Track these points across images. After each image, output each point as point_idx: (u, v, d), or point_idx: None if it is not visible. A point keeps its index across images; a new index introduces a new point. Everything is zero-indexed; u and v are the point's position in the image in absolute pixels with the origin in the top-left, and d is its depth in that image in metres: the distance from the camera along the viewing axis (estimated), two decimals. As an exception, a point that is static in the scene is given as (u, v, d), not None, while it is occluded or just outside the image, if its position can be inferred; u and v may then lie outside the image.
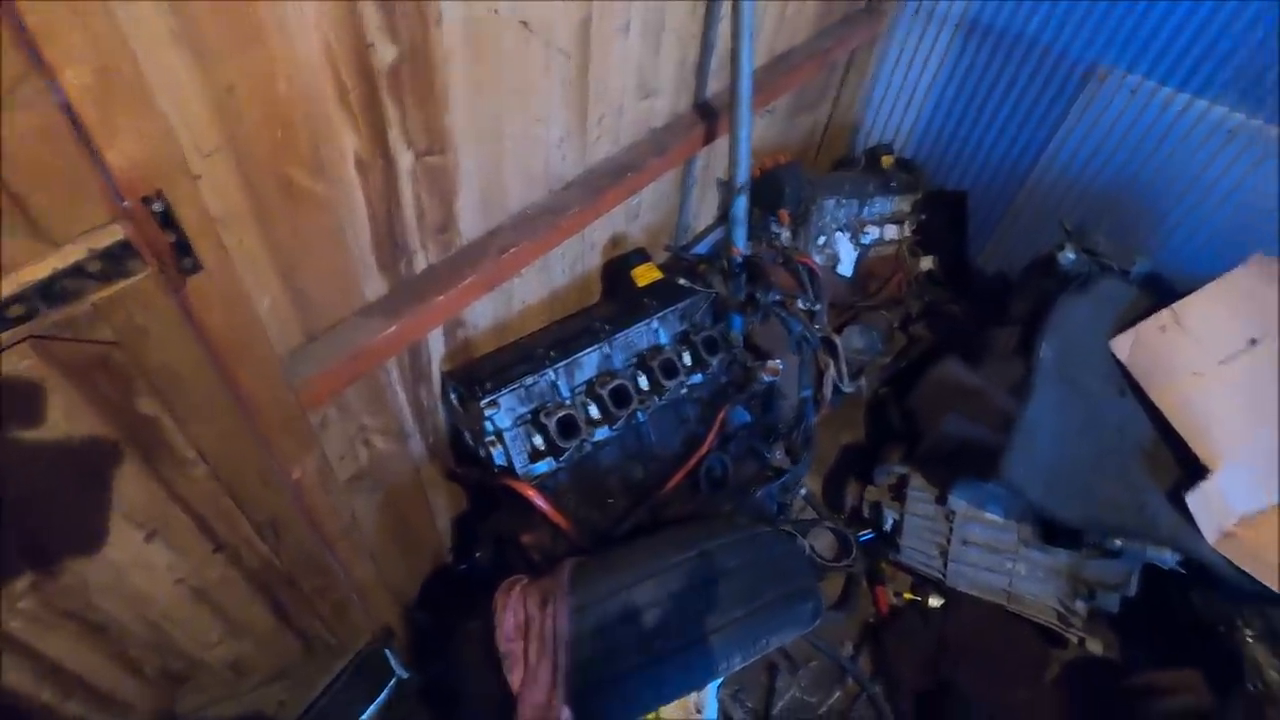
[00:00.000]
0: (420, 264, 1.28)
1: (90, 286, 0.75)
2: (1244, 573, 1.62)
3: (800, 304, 2.05)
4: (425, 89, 1.07)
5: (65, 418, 0.84)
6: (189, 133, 0.81)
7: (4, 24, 0.59)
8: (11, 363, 0.75)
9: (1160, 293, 1.92)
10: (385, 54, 0.98)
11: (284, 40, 0.86)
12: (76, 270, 0.73)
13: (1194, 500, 1.65)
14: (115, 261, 0.75)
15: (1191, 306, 1.79)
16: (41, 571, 0.93)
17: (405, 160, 1.12)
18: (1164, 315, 1.80)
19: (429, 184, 1.19)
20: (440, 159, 1.18)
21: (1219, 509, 1.67)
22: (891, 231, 2.49)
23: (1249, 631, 1.66)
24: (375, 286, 1.22)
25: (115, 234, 0.74)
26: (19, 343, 0.74)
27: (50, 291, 0.72)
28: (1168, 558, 1.70)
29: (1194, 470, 1.70)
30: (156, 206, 0.76)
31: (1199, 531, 1.66)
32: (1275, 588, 1.57)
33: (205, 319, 0.89)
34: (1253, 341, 1.76)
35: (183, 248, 0.81)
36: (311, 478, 1.22)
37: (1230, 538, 1.66)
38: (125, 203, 0.73)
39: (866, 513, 2.15)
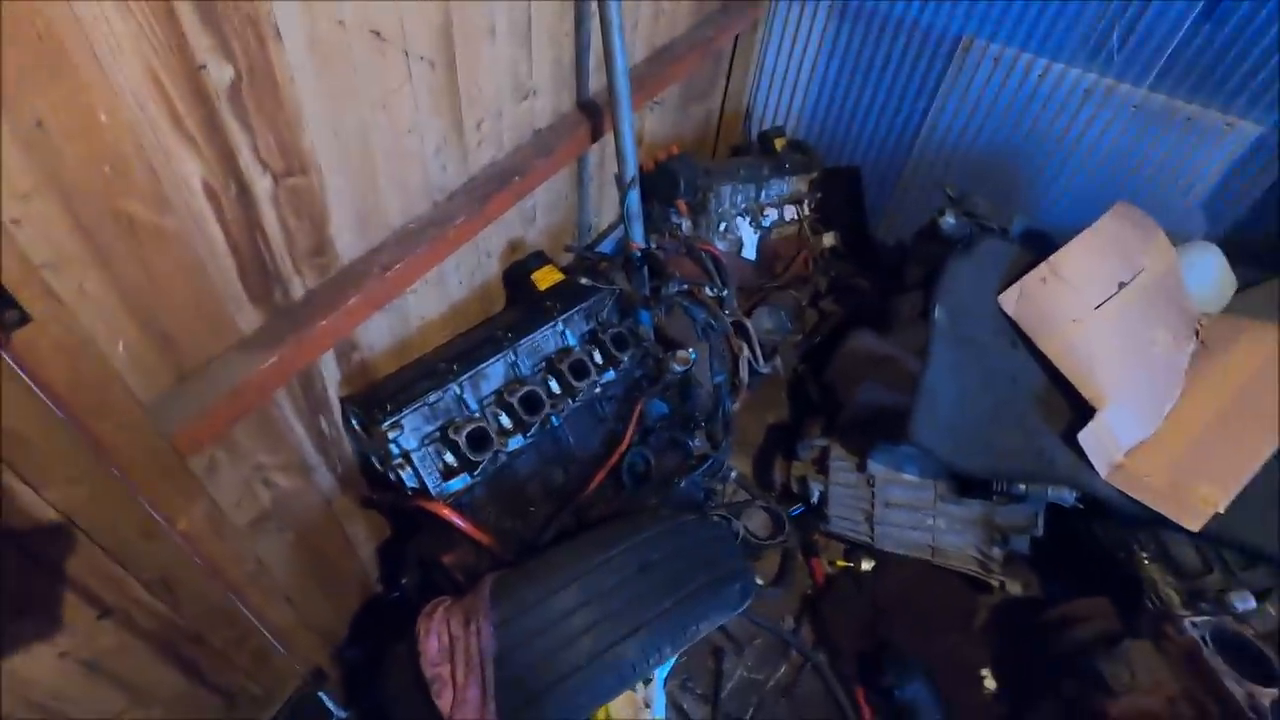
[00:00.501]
0: (297, 290, 1.23)
1: (-108, 352, 0.68)
2: (1135, 501, 1.73)
3: (708, 291, 2.07)
4: (273, 108, 1.02)
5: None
6: (-4, 175, 0.75)
7: None
8: None
9: (1039, 248, 2.03)
10: (221, 75, 0.94)
11: (95, 68, 0.80)
12: None
13: (1085, 439, 1.75)
14: (-82, 322, 0.69)
15: (1065, 257, 1.90)
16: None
17: (263, 184, 1.07)
18: (1043, 268, 1.90)
19: (294, 207, 1.14)
20: (303, 179, 1.13)
21: (1108, 444, 1.78)
22: (791, 212, 2.55)
23: (1144, 554, 1.78)
24: (249, 318, 1.16)
25: (-87, 293, 0.68)
26: None
27: None
28: (1066, 496, 1.80)
29: (1083, 412, 1.80)
30: (-39, 259, 0.70)
31: (1093, 468, 1.76)
32: (1161, 511, 1.69)
33: (43, 373, 0.82)
34: (1121, 284, 1.88)
35: (3, 301, 0.75)
36: (201, 526, 1.15)
37: (1120, 470, 1.77)
38: (-79, 258, 0.67)
39: (795, 488, 2.20)
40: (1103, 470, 1.77)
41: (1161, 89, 2.03)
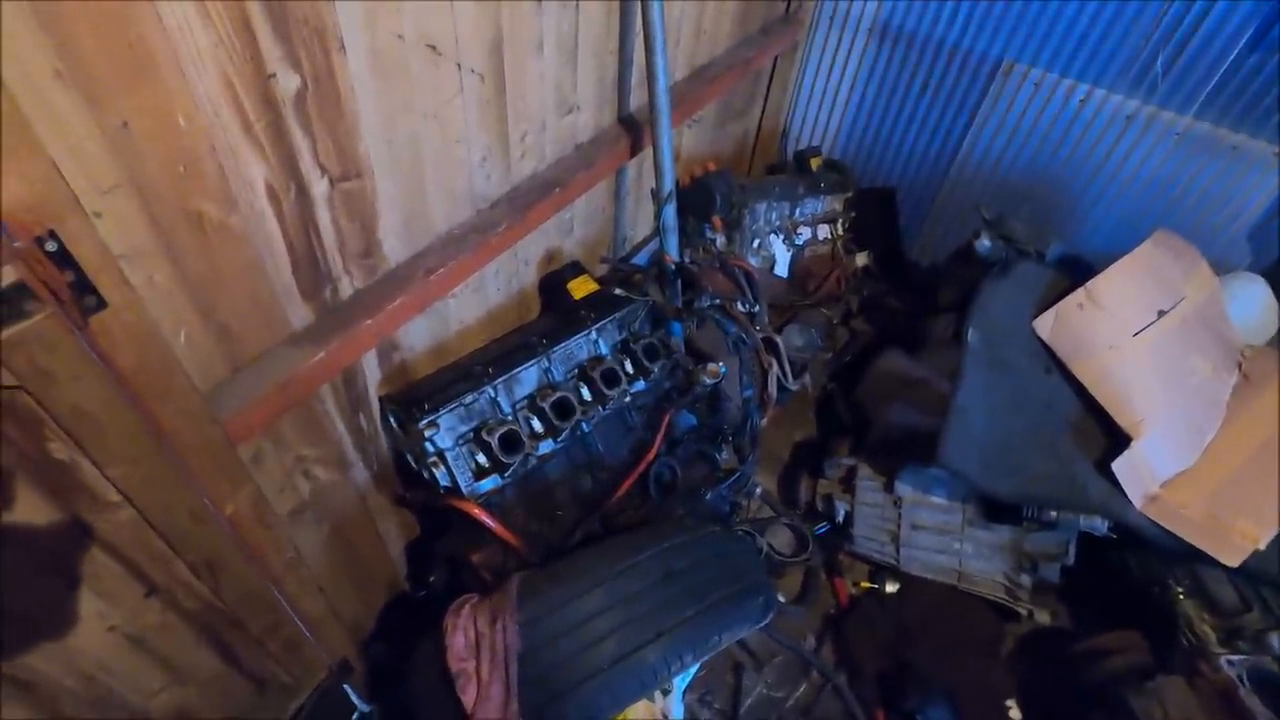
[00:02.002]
0: (346, 290, 1.28)
1: (-15, 330, 0.74)
2: (1170, 533, 1.70)
3: (740, 306, 2.09)
4: (334, 116, 1.08)
5: (-30, 467, 0.82)
6: (84, 170, 0.81)
7: None
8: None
9: (1076, 272, 2.02)
10: (288, 84, 0.99)
11: (179, 76, 0.86)
12: (-32, 314, 0.72)
13: (1119, 468, 1.73)
14: (10, 303, 0.74)
15: (1103, 284, 1.89)
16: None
17: (320, 188, 1.12)
18: (1080, 294, 1.89)
19: (347, 210, 1.19)
20: (357, 184, 1.18)
21: (1143, 475, 1.75)
22: (825, 231, 2.56)
23: (1180, 589, 1.74)
24: (300, 315, 1.22)
25: (8, 276, 0.73)
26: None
27: (-59, 338, 0.71)
28: (1099, 525, 1.77)
29: (1118, 440, 1.78)
30: (50, 246, 0.75)
31: (1127, 498, 1.73)
32: (1198, 545, 1.65)
33: (115, 357, 0.88)
34: (1161, 312, 1.86)
35: (83, 286, 0.80)
36: (247, 513, 1.20)
37: (1155, 501, 1.74)
38: (16, 244, 0.72)
39: (820, 506, 2.19)
40: (1137, 500, 1.74)
41: (1207, 117, 2.01)
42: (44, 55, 0.72)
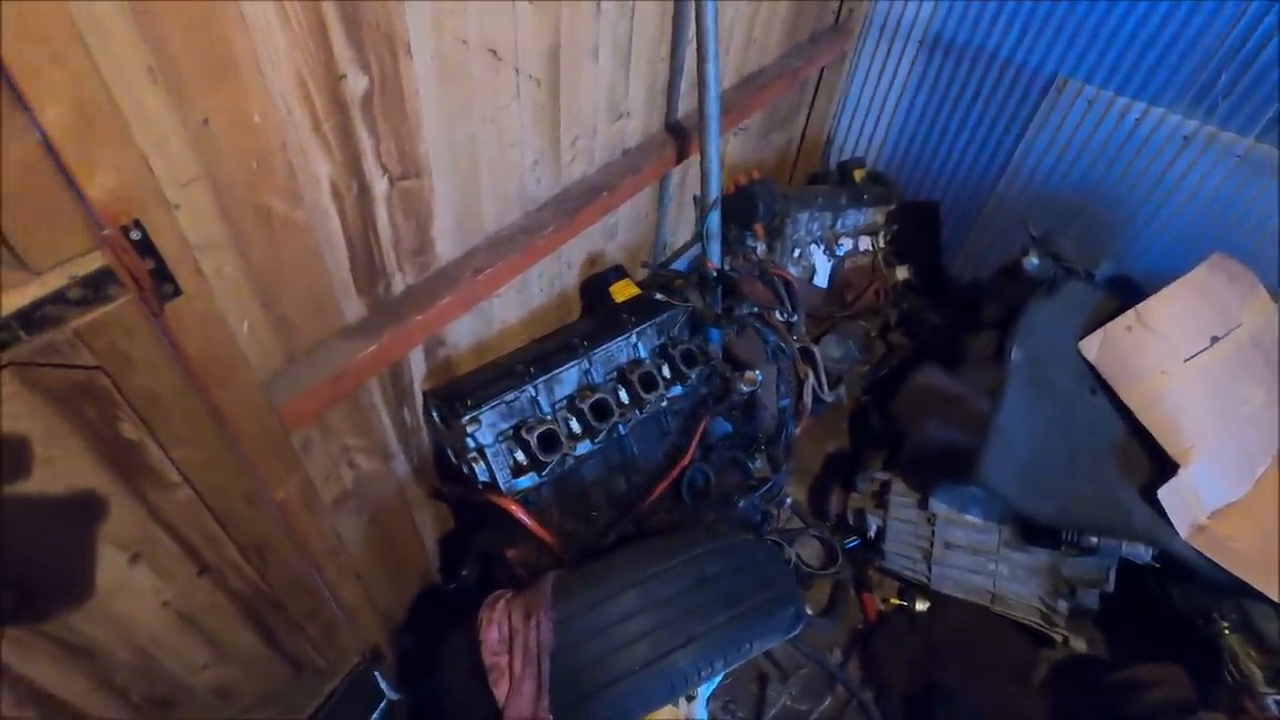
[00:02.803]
0: (398, 286, 1.31)
1: (72, 313, 0.77)
2: (1217, 565, 1.65)
3: (778, 315, 2.09)
4: (398, 117, 1.11)
5: (46, 443, 0.86)
6: (167, 164, 0.84)
7: (-14, 67, 0.62)
8: (-6, 386, 0.78)
9: (1126, 294, 1.98)
10: (357, 85, 1.02)
11: (257, 75, 0.90)
12: (58, 297, 0.75)
13: (1166, 496, 1.69)
14: (96, 288, 0.78)
15: (1155, 306, 1.85)
16: (24, 595, 0.95)
17: (380, 186, 1.15)
18: (1129, 316, 1.85)
19: (404, 208, 1.22)
20: (415, 183, 1.21)
21: (1191, 503, 1.71)
22: (866, 243, 2.55)
23: (1225, 624, 1.69)
24: (354, 308, 1.25)
25: (96, 261, 0.77)
26: (1, 369, 0.77)
27: (30, 319, 0.75)
28: (1142, 553, 1.73)
29: (1165, 466, 1.74)
30: (135, 234, 0.79)
31: (1172, 526, 1.69)
32: (1247, 579, 1.61)
33: (185, 343, 0.91)
34: (1214, 339, 1.81)
35: (161, 274, 0.84)
36: (295, 499, 1.24)
37: (1202, 531, 1.69)
38: (105, 231, 0.76)
39: (851, 520, 2.17)
40: (1183, 530, 1.69)
41: (1269, 139, 1.96)
42: (139, 54, 0.76)
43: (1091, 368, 1.86)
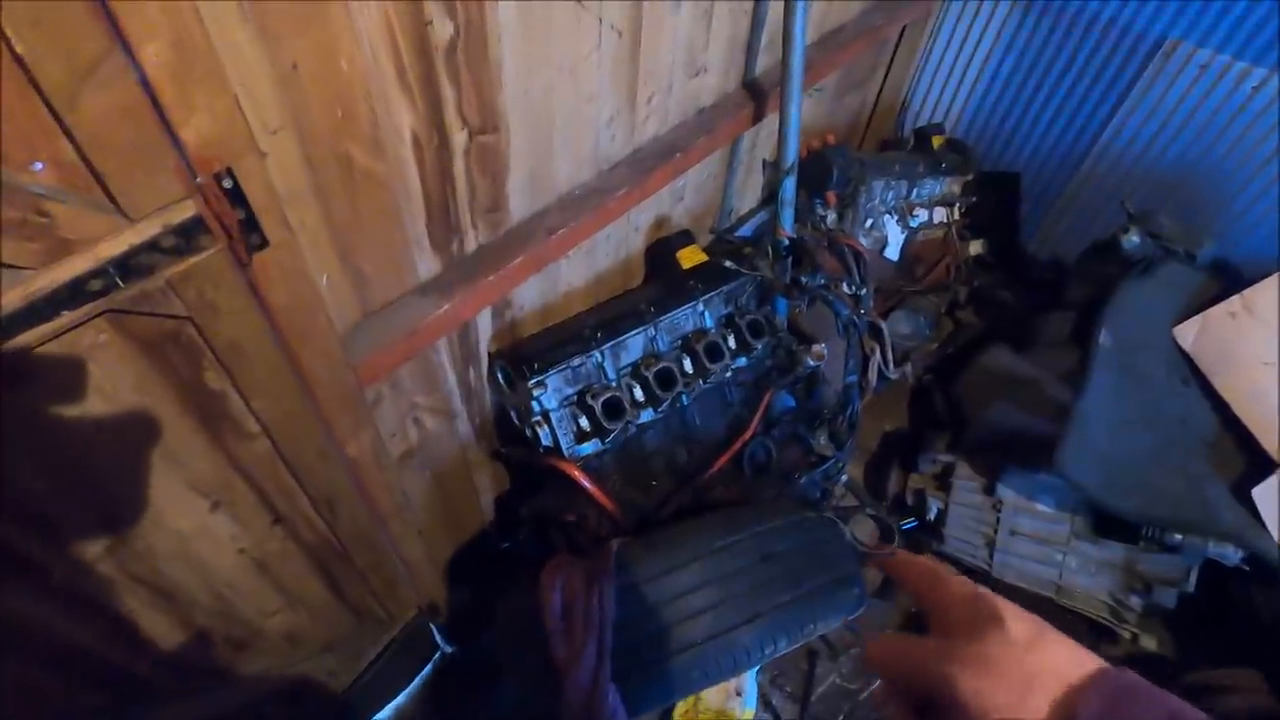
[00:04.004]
0: (471, 244, 1.29)
1: (165, 261, 0.76)
2: (1313, 571, 1.55)
3: (846, 287, 2.01)
4: (480, 67, 1.06)
5: (137, 390, 0.87)
6: (256, 110, 0.82)
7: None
8: (89, 336, 0.78)
9: (1228, 279, 1.85)
10: (443, 31, 0.98)
11: (346, 18, 0.86)
12: (152, 246, 0.74)
13: (1260, 495, 1.59)
14: (188, 237, 0.76)
15: (1263, 294, 1.72)
16: (114, 536, 0.97)
17: (459, 139, 1.12)
18: (1234, 302, 1.72)
19: (481, 163, 1.19)
20: (493, 137, 1.17)
21: (1288, 504, 1.60)
22: (940, 214, 2.43)
23: (1317, 632, 1.59)
24: (429, 265, 1.23)
25: (189, 210, 0.75)
26: (96, 316, 0.76)
27: (127, 266, 0.74)
28: (1231, 554, 1.64)
29: (1260, 464, 1.63)
30: (227, 183, 0.77)
31: (1265, 528, 1.59)
32: (1347, 587, 1.51)
33: (270, 295, 0.90)
34: (1329, 330, 1.68)
35: (251, 224, 0.82)
36: (366, 454, 1.24)
37: (1299, 535, 1.59)
38: (199, 179, 0.74)
39: (910, 501, 2.12)
40: (1277, 532, 1.59)
41: None
42: (233, -6, 0.73)
43: (1186, 356, 1.75)
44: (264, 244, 0.85)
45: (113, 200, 0.70)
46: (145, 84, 0.66)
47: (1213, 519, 1.63)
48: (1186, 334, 1.75)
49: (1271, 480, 1.58)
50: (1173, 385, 1.76)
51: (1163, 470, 1.68)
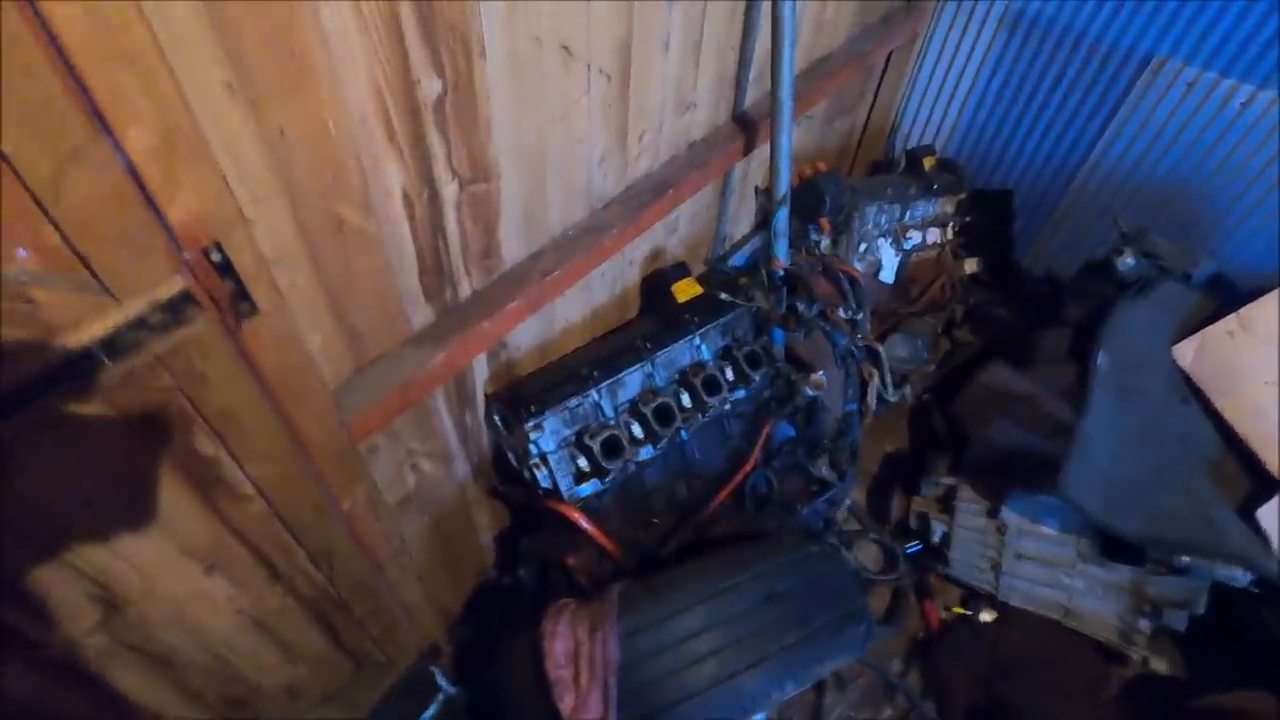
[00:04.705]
0: (465, 291, 1.28)
1: (153, 338, 0.76)
2: (1322, 592, 1.54)
3: (842, 313, 2.01)
4: (469, 120, 1.06)
5: (127, 463, 0.86)
6: (244, 180, 0.81)
7: (68, 90, 0.59)
8: (77, 410, 0.77)
9: (1224, 296, 1.84)
10: (430, 88, 0.98)
11: (333, 81, 0.86)
12: (139, 324, 0.74)
13: (1265, 516, 1.58)
14: (176, 312, 0.76)
15: (1260, 311, 1.71)
16: (107, 608, 0.95)
17: (450, 191, 1.11)
18: (1231, 320, 1.72)
19: (473, 212, 1.18)
20: (484, 186, 1.17)
21: (1293, 525, 1.59)
22: (934, 235, 2.43)
23: (1328, 654, 1.58)
24: (422, 316, 1.22)
25: (176, 286, 0.75)
26: (84, 395, 0.75)
27: (114, 345, 0.73)
28: (1239, 576, 1.62)
29: (1264, 484, 1.62)
30: (215, 256, 0.76)
31: (1271, 548, 1.58)
32: (1357, 609, 1.50)
33: (260, 360, 0.89)
34: (1328, 348, 1.67)
35: (239, 293, 0.81)
36: (362, 507, 1.23)
37: (1306, 555, 1.58)
38: (186, 255, 0.73)
39: (913, 524, 2.10)
40: (1283, 553, 1.58)
41: (1395, 127, 1.79)
42: (219, 69, 0.72)
43: (1185, 376, 1.74)
44: (254, 311, 0.84)
45: (99, 282, 0.70)
46: (130, 168, 0.65)
47: (1219, 541, 1.62)
48: (1185, 353, 1.74)
49: (1275, 501, 1.57)
50: (1172, 405, 1.75)
51: (1166, 491, 1.67)
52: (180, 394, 0.84)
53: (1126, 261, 1.82)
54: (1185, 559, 1.64)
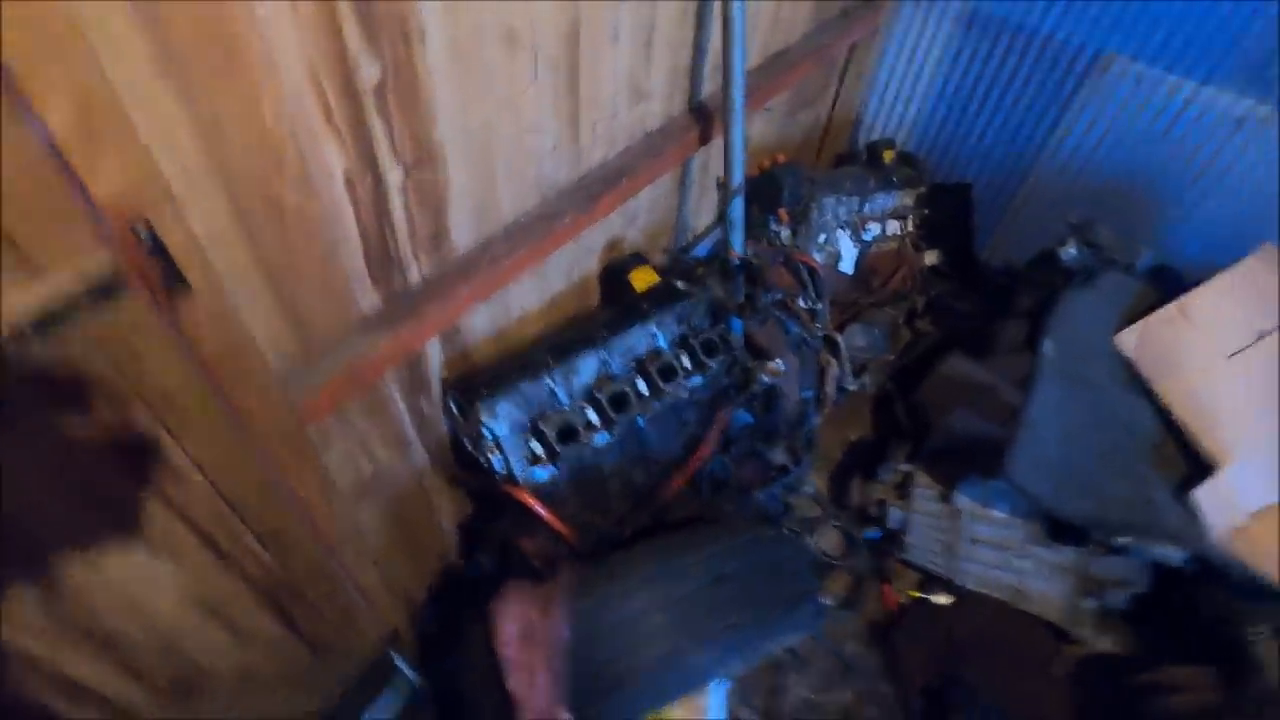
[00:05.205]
0: (414, 276, 1.29)
1: (81, 314, 0.76)
2: (1253, 570, 1.60)
3: (801, 303, 2.04)
4: (411, 105, 1.08)
5: (61, 441, 0.86)
6: (175, 160, 0.82)
7: (-15, 65, 0.60)
8: (8, 388, 0.77)
9: (1167, 285, 1.90)
10: (370, 73, 0.99)
11: (268, 66, 0.87)
12: (67, 300, 0.74)
13: (1201, 497, 1.63)
14: (105, 290, 0.77)
15: (1199, 299, 1.77)
16: (49, 589, 0.96)
17: (394, 176, 1.13)
18: (1171, 309, 1.78)
19: (419, 197, 1.20)
20: (430, 172, 1.18)
21: (1227, 506, 1.65)
22: (894, 227, 2.47)
23: (1259, 630, 1.64)
24: (370, 300, 1.23)
25: (104, 263, 0.75)
26: (13, 373, 0.76)
27: (41, 321, 0.74)
28: (1174, 555, 1.68)
29: (1202, 466, 1.68)
30: (143, 234, 0.77)
31: (1207, 528, 1.64)
32: (1285, 584, 1.56)
33: (196, 339, 0.90)
34: (1261, 334, 1.73)
35: (170, 272, 0.82)
36: (312, 489, 1.24)
37: (1239, 535, 1.64)
38: (112, 232, 0.74)
39: (873, 511, 2.14)
40: (1219, 533, 1.64)
41: (1330, 122, 1.85)
42: (145, 49, 0.73)
43: (1128, 362, 1.80)
44: (187, 290, 0.85)
45: (23, 256, 0.70)
46: (51, 144, 0.66)
47: (1157, 521, 1.67)
48: (1128, 341, 1.79)
49: (1210, 482, 1.63)
50: (1117, 391, 1.80)
51: (1110, 475, 1.73)
52: (115, 372, 0.85)
53: (1069, 251, 1.87)
54: (1124, 539, 1.69)
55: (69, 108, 0.66)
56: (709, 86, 1.79)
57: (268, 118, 0.90)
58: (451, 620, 1.93)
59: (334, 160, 1.02)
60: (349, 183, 1.07)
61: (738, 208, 1.74)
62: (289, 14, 0.86)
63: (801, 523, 2.12)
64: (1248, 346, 1.73)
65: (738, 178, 1.69)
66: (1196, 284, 1.84)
